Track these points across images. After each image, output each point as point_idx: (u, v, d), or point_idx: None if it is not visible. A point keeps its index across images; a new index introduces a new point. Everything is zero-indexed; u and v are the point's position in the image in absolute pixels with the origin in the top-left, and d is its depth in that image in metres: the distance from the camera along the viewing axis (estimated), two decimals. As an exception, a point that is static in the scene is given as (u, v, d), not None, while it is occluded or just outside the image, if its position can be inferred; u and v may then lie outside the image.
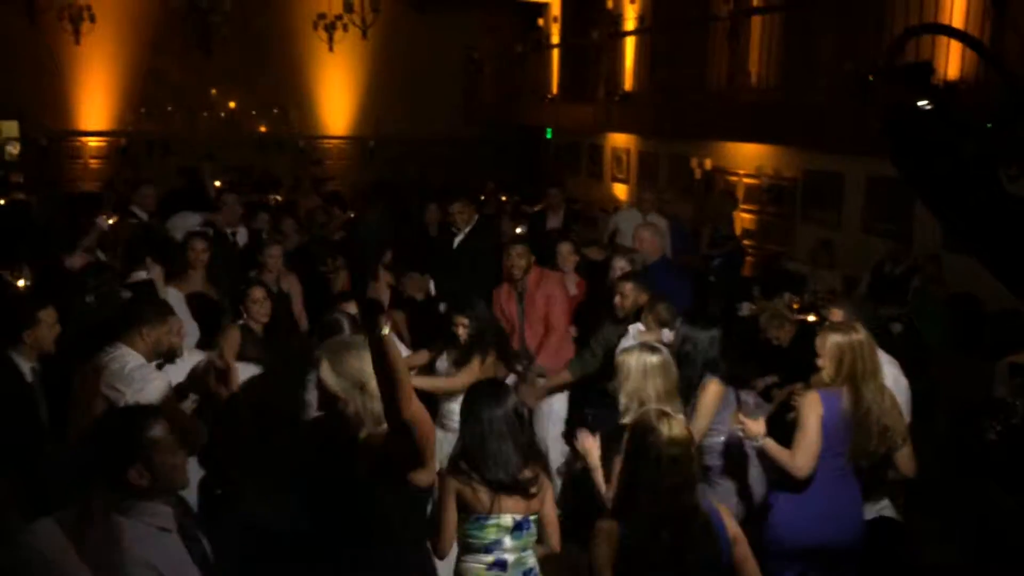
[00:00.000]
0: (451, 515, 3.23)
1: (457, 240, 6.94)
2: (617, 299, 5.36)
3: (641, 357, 3.76)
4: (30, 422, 4.00)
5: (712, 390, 4.14)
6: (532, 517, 3.32)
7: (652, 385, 3.66)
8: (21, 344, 4.05)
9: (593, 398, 5.33)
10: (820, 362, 3.83)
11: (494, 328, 5.03)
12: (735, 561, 2.90)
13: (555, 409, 5.59)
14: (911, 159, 2.37)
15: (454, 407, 4.61)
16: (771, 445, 3.73)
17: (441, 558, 3.24)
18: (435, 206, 7.82)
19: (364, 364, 2.75)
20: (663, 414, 2.94)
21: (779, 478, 3.81)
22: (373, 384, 2.73)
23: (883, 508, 4.07)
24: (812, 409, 3.70)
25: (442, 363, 4.89)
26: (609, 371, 5.12)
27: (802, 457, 3.67)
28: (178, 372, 4.03)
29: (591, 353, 5.40)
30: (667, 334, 5.04)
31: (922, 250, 7.33)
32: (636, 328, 5.12)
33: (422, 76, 15.17)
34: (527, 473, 3.29)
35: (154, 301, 4.12)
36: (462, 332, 4.77)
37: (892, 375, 4.12)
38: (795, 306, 5.85)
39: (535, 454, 3.48)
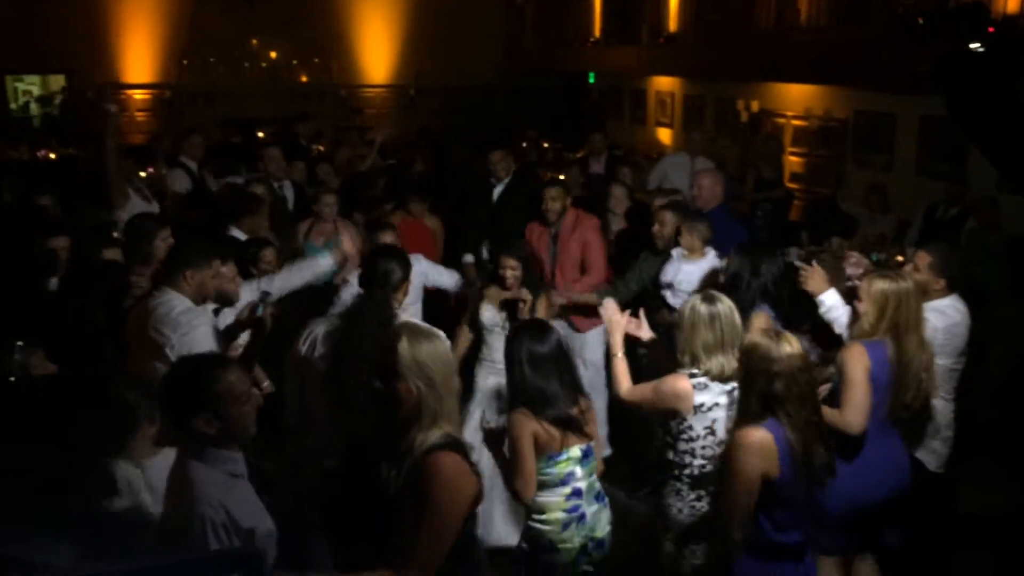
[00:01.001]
0: (531, 457, 3.32)
1: (497, 190, 6.87)
2: (656, 227, 5.30)
3: (693, 308, 3.52)
4: (98, 359, 4.12)
5: (760, 322, 4.02)
6: (592, 443, 3.47)
7: (699, 338, 3.47)
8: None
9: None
10: (861, 307, 3.68)
11: (539, 272, 5.04)
12: None
13: (588, 357, 5.58)
14: (964, 103, 2.28)
15: (496, 343, 4.68)
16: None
17: (528, 500, 3.35)
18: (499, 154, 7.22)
19: (436, 358, 2.73)
20: (776, 334, 3.00)
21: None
22: (443, 382, 2.71)
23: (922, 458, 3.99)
24: (858, 361, 3.53)
25: (489, 311, 4.87)
26: (651, 302, 5.12)
27: (852, 413, 3.49)
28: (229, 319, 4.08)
29: (624, 283, 5.37)
30: (711, 252, 5.01)
31: (978, 192, 7.12)
32: (679, 251, 5.12)
33: (463, 23, 14.97)
34: (581, 403, 3.45)
35: (199, 245, 4.13)
36: (510, 275, 4.77)
37: (952, 316, 4.00)
38: (846, 251, 5.75)
39: (578, 385, 3.52)
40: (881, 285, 3.64)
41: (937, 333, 3.85)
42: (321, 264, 4.74)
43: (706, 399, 3.43)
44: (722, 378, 3.42)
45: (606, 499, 3.55)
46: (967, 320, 4.04)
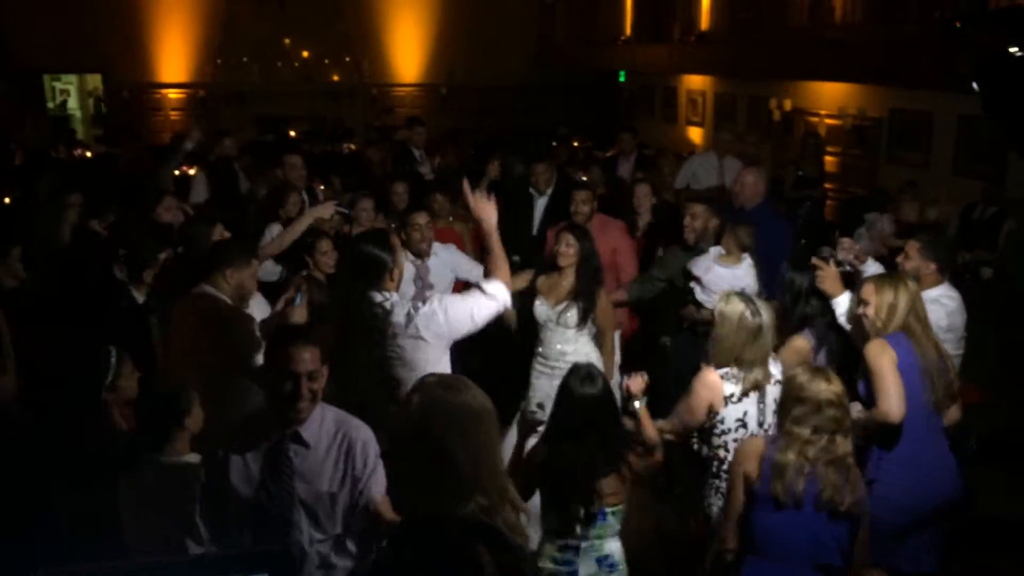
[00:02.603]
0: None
1: (539, 203, 6.48)
2: (687, 220, 5.21)
3: (740, 311, 3.45)
4: (145, 347, 4.21)
5: (797, 344, 3.94)
6: (610, 510, 3.21)
7: (742, 342, 3.43)
8: (139, 282, 4.50)
9: (669, 326, 5.26)
10: (868, 311, 3.54)
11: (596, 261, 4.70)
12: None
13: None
14: (1002, 106, 2.23)
15: (551, 339, 4.54)
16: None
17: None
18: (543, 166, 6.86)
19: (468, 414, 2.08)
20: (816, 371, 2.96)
21: (877, 446, 3.53)
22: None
23: None
24: (882, 352, 3.42)
25: (542, 305, 4.65)
26: (677, 299, 5.05)
27: (887, 401, 3.36)
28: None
29: (652, 278, 5.29)
30: (746, 260, 4.91)
31: (1015, 192, 6.99)
32: (717, 250, 4.99)
33: (494, 21, 14.98)
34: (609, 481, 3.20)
35: (240, 244, 4.13)
36: (564, 250, 4.55)
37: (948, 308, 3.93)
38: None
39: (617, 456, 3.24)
40: (885, 291, 3.52)
41: (941, 322, 3.81)
42: (318, 210, 4.77)
43: (735, 390, 3.43)
44: (757, 389, 3.42)
45: (618, 568, 3.29)
46: (962, 307, 4.02)
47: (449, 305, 3.33)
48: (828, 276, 3.86)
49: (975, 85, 2.15)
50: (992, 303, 4.43)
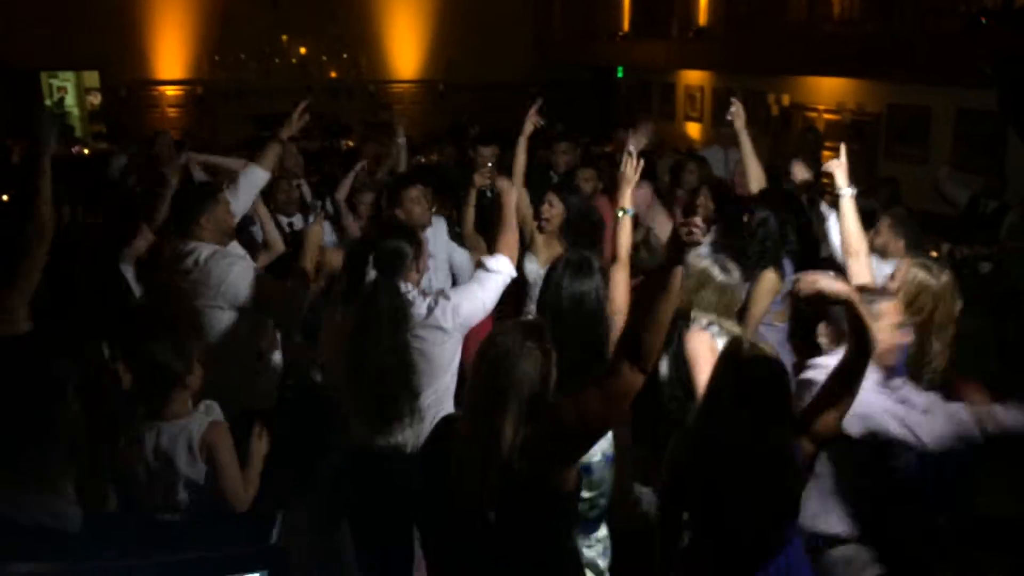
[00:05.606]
0: None
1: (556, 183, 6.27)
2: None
3: (707, 266, 3.58)
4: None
5: (767, 283, 4.11)
6: None
7: (706, 298, 3.51)
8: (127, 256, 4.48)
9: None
10: (891, 285, 3.43)
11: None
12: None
13: None
14: (1019, 103, 2.21)
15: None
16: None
17: None
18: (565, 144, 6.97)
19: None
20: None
21: None
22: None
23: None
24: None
25: (532, 263, 4.60)
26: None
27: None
28: None
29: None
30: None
31: (1015, 186, 6.97)
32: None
33: (492, 17, 14.97)
34: None
35: (197, 190, 4.13)
36: (546, 210, 4.48)
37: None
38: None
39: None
40: (920, 276, 3.41)
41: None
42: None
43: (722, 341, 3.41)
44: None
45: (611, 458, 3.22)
46: None
47: (464, 299, 3.33)
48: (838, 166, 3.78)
49: (996, 80, 2.13)
50: (990, 298, 4.41)
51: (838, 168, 3.80)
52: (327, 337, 3.47)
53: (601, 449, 3.12)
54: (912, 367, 3.36)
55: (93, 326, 3.80)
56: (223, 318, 3.75)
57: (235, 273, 3.72)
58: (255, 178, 4.35)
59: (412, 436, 3.23)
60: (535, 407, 2.37)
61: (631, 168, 3.81)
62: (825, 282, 2.67)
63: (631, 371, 2.30)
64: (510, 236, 3.44)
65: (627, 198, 3.77)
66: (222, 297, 3.72)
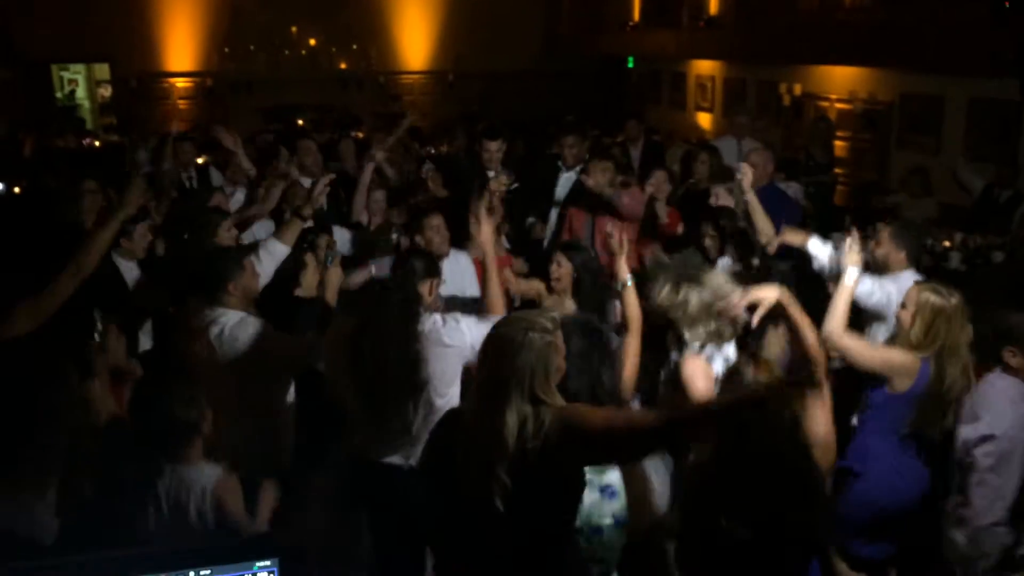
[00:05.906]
0: None
1: (564, 177, 6.23)
2: (707, 242, 5.11)
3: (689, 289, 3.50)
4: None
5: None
6: None
7: (686, 316, 3.46)
8: (122, 250, 4.73)
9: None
10: (904, 315, 3.51)
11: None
12: None
13: None
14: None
15: None
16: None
17: None
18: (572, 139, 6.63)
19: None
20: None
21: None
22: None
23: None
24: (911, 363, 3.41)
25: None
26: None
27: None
28: None
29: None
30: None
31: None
32: (726, 262, 4.91)
33: (501, 8, 14.90)
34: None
35: (224, 253, 4.13)
36: (555, 272, 4.34)
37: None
38: None
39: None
40: (931, 299, 3.46)
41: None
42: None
43: (719, 368, 3.41)
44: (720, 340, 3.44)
45: (618, 495, 3.24)
46: None
47: (472, 326, 3.48)
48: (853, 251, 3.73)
49: (1018, 69, 2.10)
50: (1002, 287, 4.39)
51: (852, 247, 3.60)
52: (329, 344, 3.57)
53: (612, 511, 3.14)
54: (932, 395, 3.43)
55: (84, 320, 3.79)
56: (245, 383, 3.72)
57: (261, 342, 3.68)
58: (277, 253, 4.36)
59: (413, 449, 3.34)
60: (539, 398, 2.39)
61: (617, 243, 3.76)
62: (757, 293, 2.99)
63: (652, 431, 2.37)
64: (495, 300, 3.70)
65: (624, 269, 3.67)
66: (247, 364, 3.67)
